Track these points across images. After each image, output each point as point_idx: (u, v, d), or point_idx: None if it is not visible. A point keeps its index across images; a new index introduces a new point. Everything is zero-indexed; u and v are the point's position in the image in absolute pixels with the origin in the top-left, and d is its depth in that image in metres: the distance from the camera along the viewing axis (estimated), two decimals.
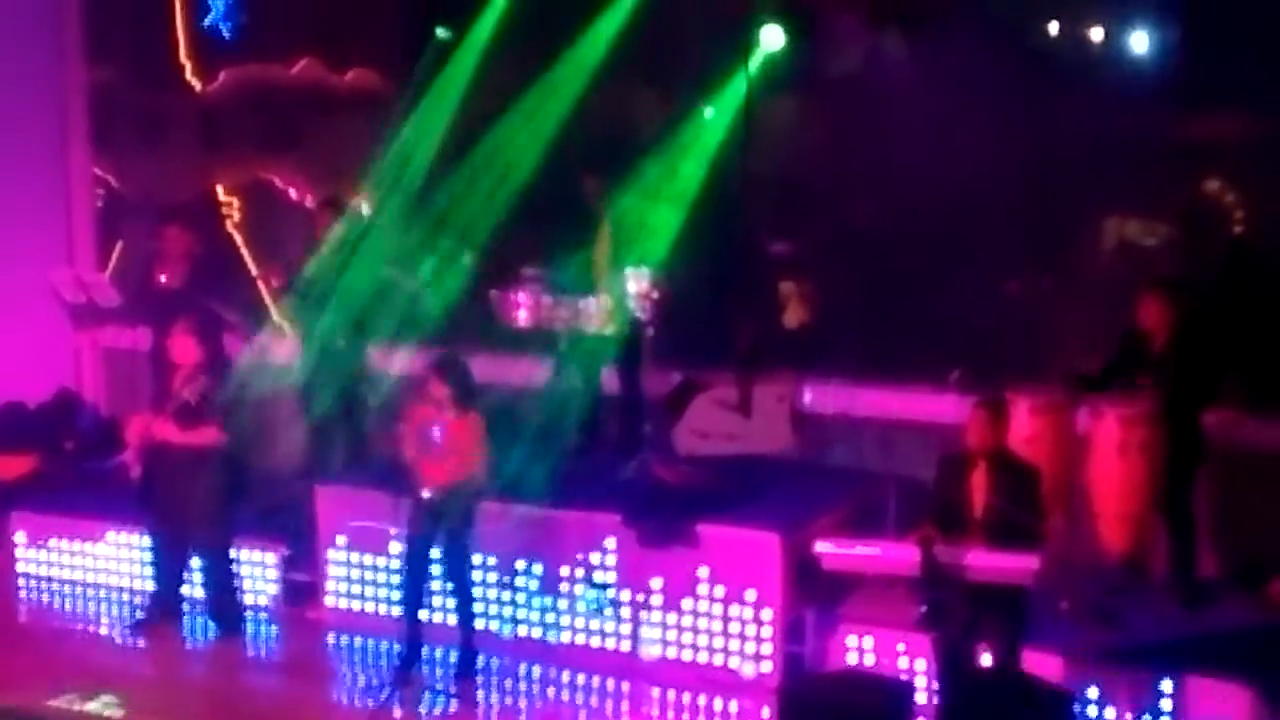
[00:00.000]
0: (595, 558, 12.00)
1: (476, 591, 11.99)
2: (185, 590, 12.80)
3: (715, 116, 13.76)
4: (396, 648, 11.96)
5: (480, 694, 11.64)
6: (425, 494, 11.45)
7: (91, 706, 11.32)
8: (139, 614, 12.96)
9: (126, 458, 12.56)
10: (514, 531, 12.01)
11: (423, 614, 11.84)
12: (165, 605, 12.76)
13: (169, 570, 12.70)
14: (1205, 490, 11.81)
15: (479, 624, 11.93)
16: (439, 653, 11.93)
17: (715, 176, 13.46)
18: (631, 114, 14.51)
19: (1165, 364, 11.29)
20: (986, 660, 10.09)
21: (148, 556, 12.93)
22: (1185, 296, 11.43)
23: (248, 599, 13.02)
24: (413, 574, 11.71)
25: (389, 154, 14.04)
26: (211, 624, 12.72)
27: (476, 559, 11.96)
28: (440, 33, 14.11)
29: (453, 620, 11.87)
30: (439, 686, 11.58)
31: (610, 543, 11.96)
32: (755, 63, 13.44)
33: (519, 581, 12.20)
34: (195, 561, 12.71)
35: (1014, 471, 10.13)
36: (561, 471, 12.12)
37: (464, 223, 13.78)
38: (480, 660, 11.85)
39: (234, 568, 12.81)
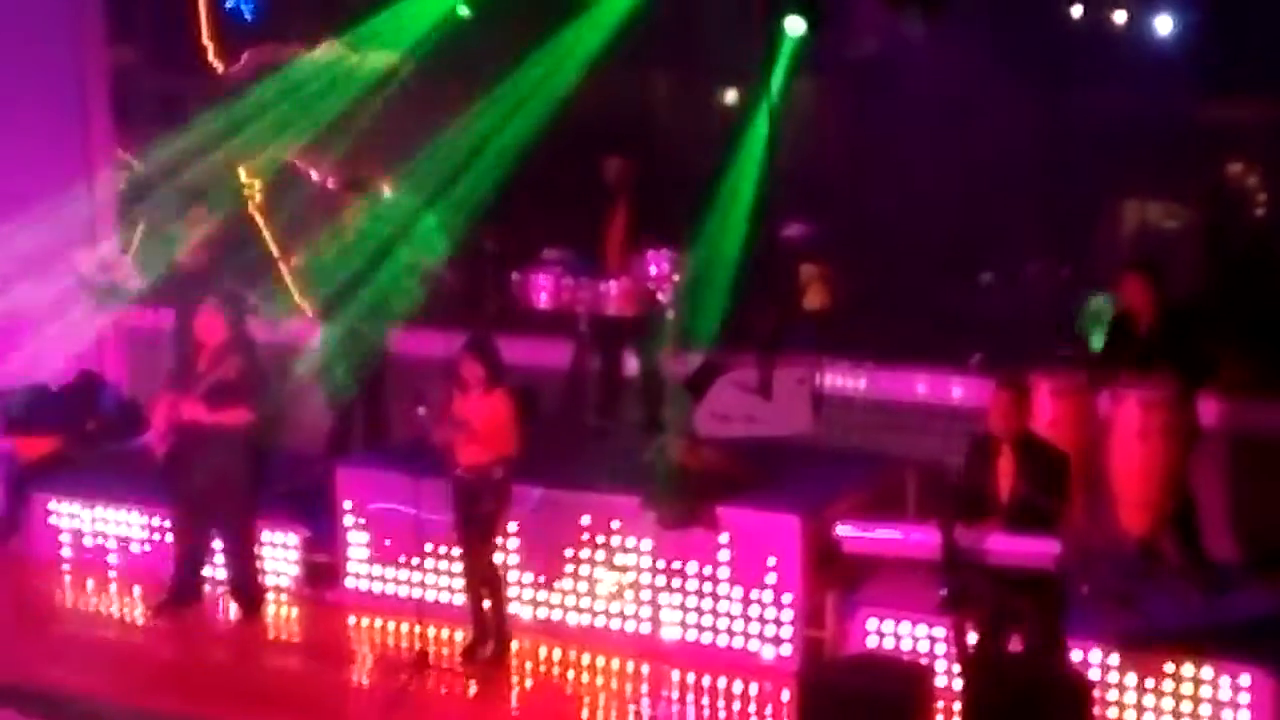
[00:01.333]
0: (615, 540, 12.02)
1: (511, 575, 12.03)
2: (206, 570, 12.85)
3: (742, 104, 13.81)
4: (444, 633, 12.01)
5: (499, 676, 11.66)
6: (459, 473, 11.48)
7: None
8: (160, 594, 13.00)
9: (150, 438, 12.59)
10: (536, 512, 12.04)
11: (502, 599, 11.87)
12: (186, 585, 12.80)
13: (191, 550, 12.74)
14: (1225, 476, 11.80)
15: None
16: (457, 634, 11.98)
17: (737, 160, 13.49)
18: (651, 97, 14.51)
19: (1152, 346, 11.28)
20: (1015, 646, 10.08)
21: (170, 537, 12.97)
22: (1163, 275, 11.39)
23: (269, 580, 13.06)
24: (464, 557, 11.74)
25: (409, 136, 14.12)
26: (232, 604, 12.77)
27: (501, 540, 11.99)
28: (462, 10, 14.10)
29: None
30: (458, 669, 11.63)
31: (631, 524, 11.97)
32: (777, 49, 13.43)
33: (540, 563, 12.22)
34: (217, 542, 12.76)
35: (1041, 457, 10.08)
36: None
37: (478, 202, 13.83)
38: (514, 644, 11.88)
39: (256, 548, 12.86)
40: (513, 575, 12.23)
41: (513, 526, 12.10)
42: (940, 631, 10.92)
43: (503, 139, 13.72)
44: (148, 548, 13.51)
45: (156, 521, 13.33)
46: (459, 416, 11.40)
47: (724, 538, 11.73)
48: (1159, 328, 11.29)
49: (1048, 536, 9.71)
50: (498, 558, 11.89)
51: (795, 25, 13.28)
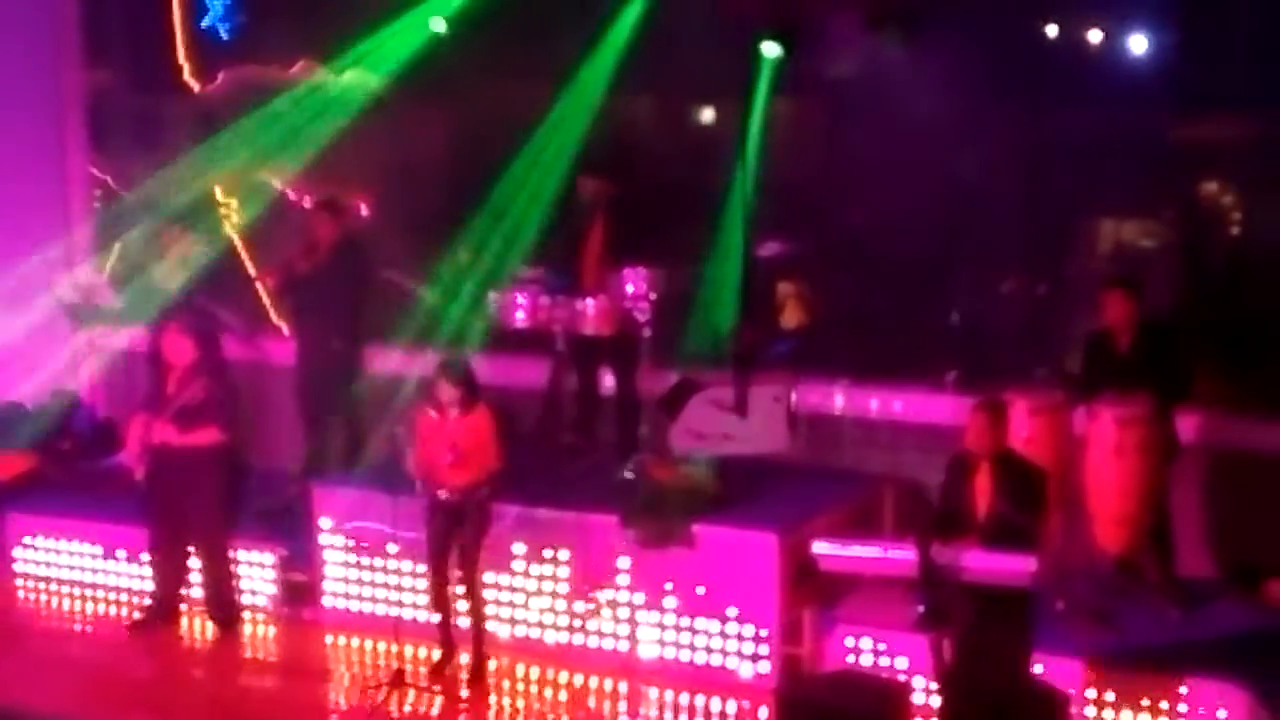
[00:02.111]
0: (593, 558, 12.01)
1: (489, 593, 12.02)
2: (183, 591, 12.82)
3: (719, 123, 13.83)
4: (421, 652, 11.97)
5: (478, 694, 11.63)
6: (443, 495, 11.47)
7: None
8: (136, 614, 12.97)
9: (125, 459, 12.56)
10: (513, 530, 12.03)
11: (454, 617, 11.86)
12: (163, 605, 12.77)
13: (168, 571, 12.72)
14: (1203, 491, 11.81)
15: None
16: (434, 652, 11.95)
17: (719, 179, 13.49)
18: (628, 116, 14.52)
19: (1132, 364, 11.31)
20: (989, 663, 10.09)
21: (146, 557, 12.94)
22: (1143, 293, 11.43)
23: (246, 599, 13.03)
24: (437, 577, 11.71)
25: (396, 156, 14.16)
26: (209, 623, 12.74)
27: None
28: (438, 26, 14.09)
29: (465, 623, 11.88)
30: (435, 687, 11.62)
31: (607, 544, 11.96)
32: (755, 68, 13.45)
33: (516, 582, 12.21)
34: (194, 561, 12.72)
35: (1019, 473, 10.09)
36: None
37: (473, 231, 13.86)
38: (491, 664, 11.86)
39: (233, 567, 12.83)
40: (489, 593, 12.22)
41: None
42: (918, 648, 10.91)
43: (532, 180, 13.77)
44: (124, 567, 13.46)
45: (132, 540, 13.26)
46: (438, 439, 11.39)
47: (701, 556, 11.73)
48: (1139, 344, 11.32)
49: (1025, 553, 9.71)
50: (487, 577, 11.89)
51: (771, 49, 13.31)
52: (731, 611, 11.67)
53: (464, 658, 11.85)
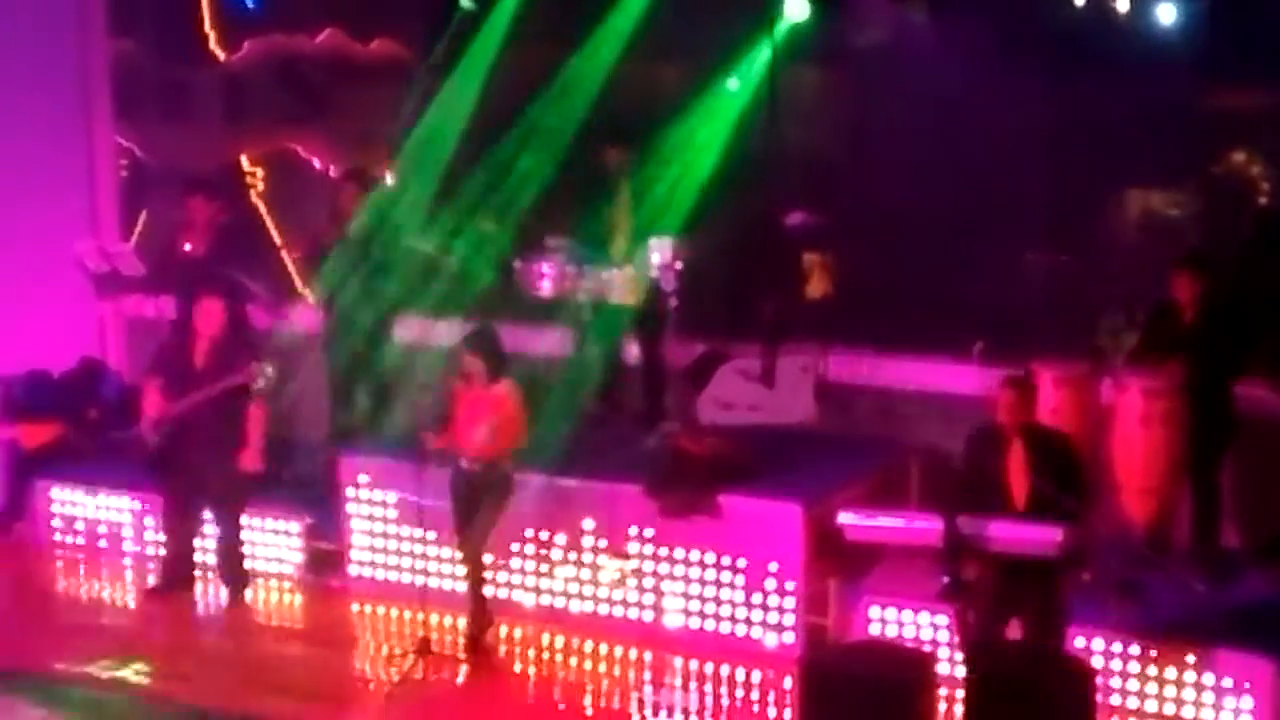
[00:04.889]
0: (618, 527, 12.02)
1: (514, 562, 12.10)
2: (196, 556, 12.84)
3: (738, 88, 13.76)
4: (447, 620, 12.02)
5: (504, 663, 11.67)
6: (464, 465, 11.49)
7: (122, 673, 11.35)
8: (153, 580, 13.01)
9: (144, 427, 12.56)
10: (537, 500, 12.05)
11: (486, 585, 11.92)
12: (179, 571, 12.79)
13: (183, 536, 12.73)
14: (1230, 463, 11.79)
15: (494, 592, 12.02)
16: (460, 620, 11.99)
17: (739, 147, 13.44)
18: (652, 84, 14.48)
19: (1195, 337, 11.28)
20: (1015, 634, 10.09)
21: (160, 522, 12.96)
22: (1214, 270, 11.41)
23: (271, 567, 13.08)
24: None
25: (416, 125, 14.09)
26: (221, 589, 12.78)
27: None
28: (463, 1, 14.07)
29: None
30: (461, 655, 11.65)
31: (633, 513, 11.97)
32: (779, 34, 13.43)
33: (542, 551, 12.23)
34: (208, 528, 12.74)
35: (1052, 448, 10.04)
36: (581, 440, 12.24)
37: (492, 195, 13.82)
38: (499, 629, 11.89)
39: (243, 532, 12.84)
40: (515, 562, 12.25)
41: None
42: (943, 619, 10.93)
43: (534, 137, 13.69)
44: (151, 534, 13.50)
45: (156, 508, 13.27)
46: (463, 408, 11.43)
47: (727, 526, 11.74)
48: (1204, 319, 11.30)
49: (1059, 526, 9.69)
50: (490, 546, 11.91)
51: (795, 10, 13.25)
52: (756, 581, 11.68)
53: (462, 622, 11.91)
